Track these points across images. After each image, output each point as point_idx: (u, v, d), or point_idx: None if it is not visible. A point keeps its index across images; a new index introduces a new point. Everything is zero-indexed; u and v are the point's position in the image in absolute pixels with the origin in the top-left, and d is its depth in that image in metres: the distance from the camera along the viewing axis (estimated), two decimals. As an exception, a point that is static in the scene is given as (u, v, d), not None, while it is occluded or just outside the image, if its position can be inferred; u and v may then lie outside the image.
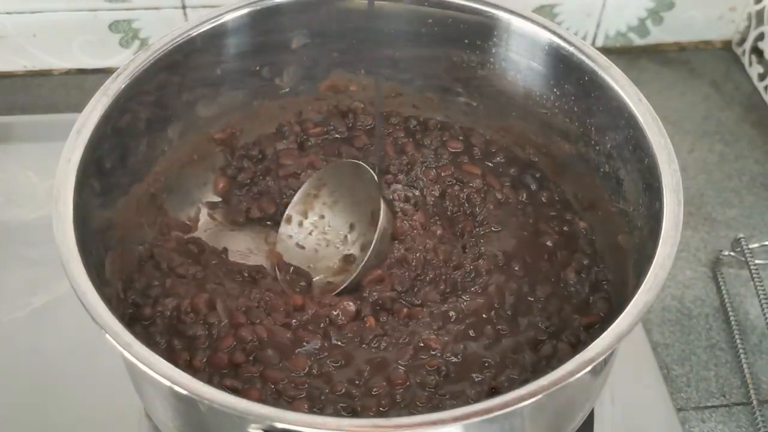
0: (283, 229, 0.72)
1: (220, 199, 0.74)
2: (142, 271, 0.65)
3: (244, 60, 0.71)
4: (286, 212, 0.72)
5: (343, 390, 0.59)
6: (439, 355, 0.61)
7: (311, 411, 0.57)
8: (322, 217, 0.73)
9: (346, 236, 0.72)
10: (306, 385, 0.59)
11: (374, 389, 0.59)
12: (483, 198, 0.72)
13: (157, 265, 0.66)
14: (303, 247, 0.72)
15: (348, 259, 0.71)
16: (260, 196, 0.74)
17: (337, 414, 0.57)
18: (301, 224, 0.72)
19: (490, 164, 0.75)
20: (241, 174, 0.74)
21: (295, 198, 0.73)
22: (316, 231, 0.72)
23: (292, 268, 0.70)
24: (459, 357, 0.61)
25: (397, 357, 0.61)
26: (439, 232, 0.70)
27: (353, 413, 0.57)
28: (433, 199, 0.73)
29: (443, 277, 0.67)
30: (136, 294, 0.64)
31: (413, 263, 0.67)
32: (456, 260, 0.68)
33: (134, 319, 0.63)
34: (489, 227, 0.70)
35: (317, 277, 0.71)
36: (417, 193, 0.73)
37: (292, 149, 0.76)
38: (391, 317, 0.65)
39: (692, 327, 0.78)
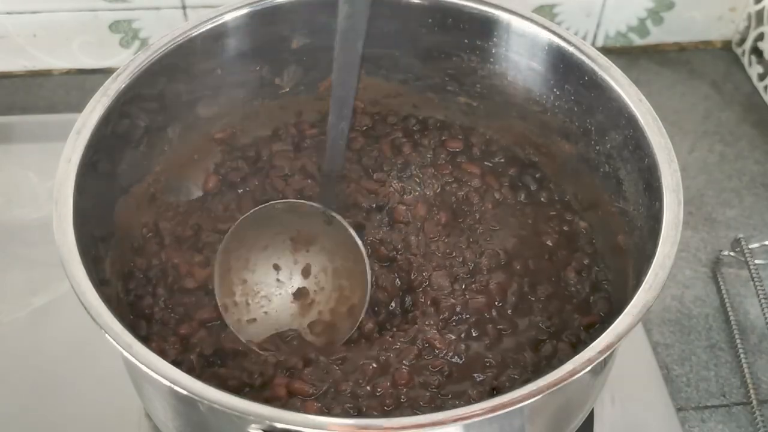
0: (228, 319, 0.64)
1: (202, 194, 0.73)
2: (143, 253, 0.66)
3: (244, 60, 0.71)
4: (219, 304, 0.64)
5: (349, 390, 0.59)
6: (442, 355, 0.61)
7: (321, 411, 0.57)
8: (245, 281, 0.66)
9: (277, 279, 0.66)
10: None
11: (378, 389, 0.59)
12: (481, 197, 0.72)
13: (161, 242, 0.67)
14: (255, 320, 0.65)
15: (300, 295, 0.66)
16: (243, 195, 0.73)
17: (343, 414, 0.57)
18: (235, 304, 0.65)
19: (489, 164, 0.75)
20: (232, 173, 0.74)
21: (216, 289, 0.64)
22: (249, 298, 0.66)
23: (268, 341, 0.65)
24: (461, 357, 0.61)
25: (401, 357, 0.61)
26: (443, 219, 0.69)
27: (359, 413, 0.58)
28: (431, 193, 0.72)
29: (446, 264, 0.67)
30: (138, 283, 0.64)
31: (414, 247, 0.68)
32: (459, 254, 0.68)
33: (138, 316, 0.63)
34: (487, 226, 0.70)
35: (294, 329, 0.65)
36: (416, 189, 0.73)
37: (288, 150, 0.76)
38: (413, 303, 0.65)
39: (692, 327, 0.78)
